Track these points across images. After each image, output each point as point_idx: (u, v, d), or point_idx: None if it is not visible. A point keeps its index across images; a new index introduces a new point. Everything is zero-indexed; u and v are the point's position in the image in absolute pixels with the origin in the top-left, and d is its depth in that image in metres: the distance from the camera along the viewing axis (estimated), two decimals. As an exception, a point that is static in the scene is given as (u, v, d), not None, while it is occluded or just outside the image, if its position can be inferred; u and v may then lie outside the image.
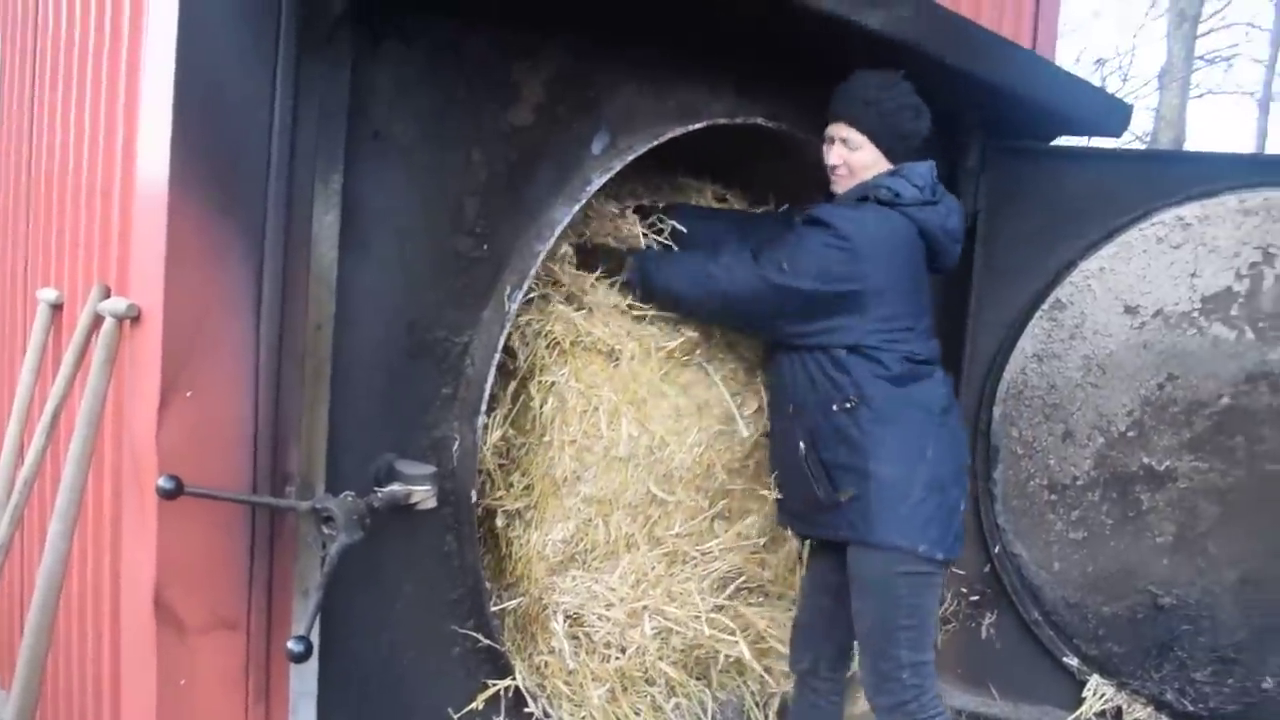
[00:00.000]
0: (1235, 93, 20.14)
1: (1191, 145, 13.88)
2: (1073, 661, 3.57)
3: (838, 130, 2.75)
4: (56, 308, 2.53)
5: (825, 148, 2.80)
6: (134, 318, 1.96)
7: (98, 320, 2.11)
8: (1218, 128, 28.34)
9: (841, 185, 2.79)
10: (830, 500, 2.63)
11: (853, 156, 2.74)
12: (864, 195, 2.70)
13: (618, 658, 2.73)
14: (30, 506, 2.29)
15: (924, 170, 2.74)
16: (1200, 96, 18.58)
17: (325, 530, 1.97)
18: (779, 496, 2.86)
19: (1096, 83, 18.36)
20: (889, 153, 2.73)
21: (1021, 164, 3.57)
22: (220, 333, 1.92)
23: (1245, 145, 17.70)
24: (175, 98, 1.81)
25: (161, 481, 1.78)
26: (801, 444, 2.67)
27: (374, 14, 2.03)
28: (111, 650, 2.18)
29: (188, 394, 1.88)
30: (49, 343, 2.52)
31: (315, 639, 2.03)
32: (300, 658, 1.84)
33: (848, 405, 2.60)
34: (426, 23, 2.16)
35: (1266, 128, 17.23)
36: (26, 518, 2.31)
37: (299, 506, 1.96)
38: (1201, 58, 15.98)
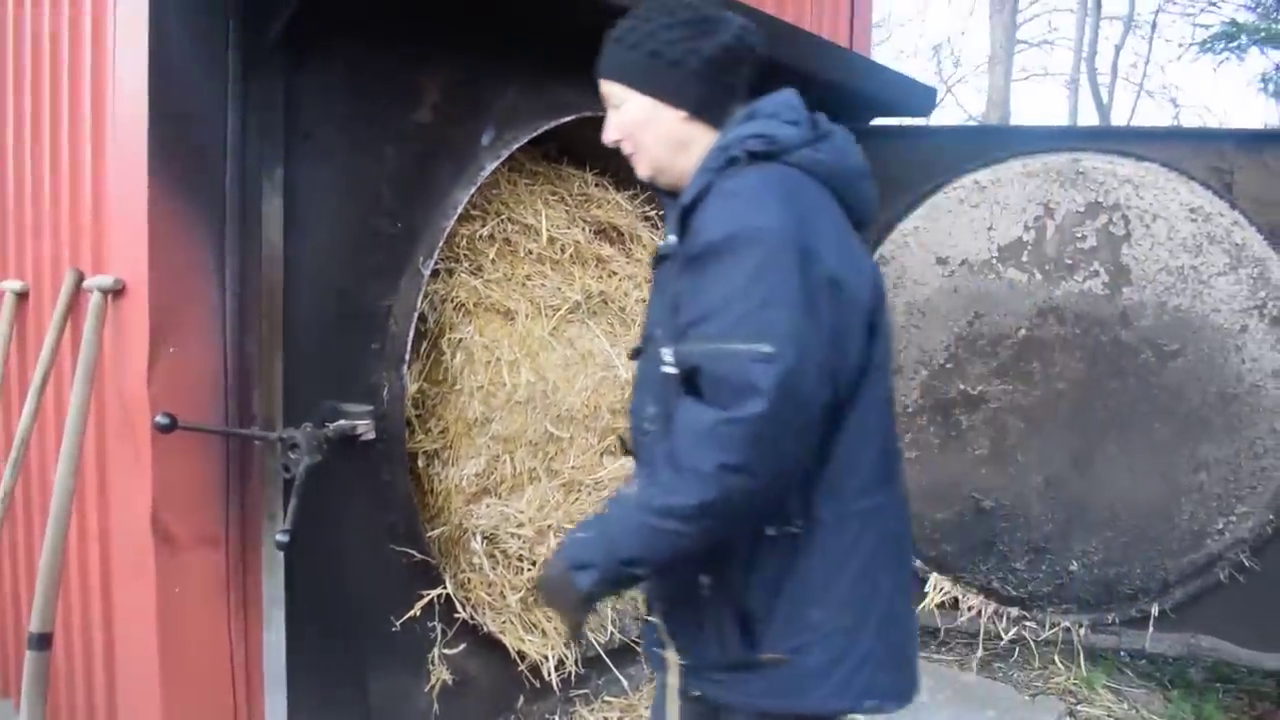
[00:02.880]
0: (1057, 75, 21.69)
1: (1015, 123, 15.02)
2: (915, 563, 4.18)
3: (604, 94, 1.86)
4: (21, 296, 2.91)
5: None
6: (118, 291, 2.38)
7: (74, 297, 2.54)
8: (1041, 107, 30.13)
9: (644, 167, 1.87)
10: (741, 660, 1.71)
11: (624, 118, 1.83)
12: (725, 162, 1.69)
13: (529, 569, 3.23)
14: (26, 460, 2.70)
15: (791, 99, 1.79)
16: (1026, 79, 20.03)
17: (291, 455, 2.42)
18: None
19: (933, 68, 19.65)
20: (678, 98, 1.78)
21: (846, 143, 4.18)
22: (193, 300, 2.36)
23: (1061, 121, 19.24)
24: (150, 113, 2.25)
25: (159, 418, 2.21)
26: (703, 579, 1.70)
27: (301, 39, 2.48)
28: (101, 567, 2.61)
29: (171, 350, 2.32)
30: (15, 325, 2.91)
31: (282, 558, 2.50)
32: (286, 547, 2.29)
33: (791, 531, 1.67)
34: (343, 43, 2.63)
35: (1077, 106, 18.75)
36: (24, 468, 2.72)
37: (269, 436, 2.41)
38: (1024, 42, 17.38)
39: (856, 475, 1.69)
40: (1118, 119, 18.63)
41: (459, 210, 2.90)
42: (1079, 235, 3.88)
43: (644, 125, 1.81)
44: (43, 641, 2.36)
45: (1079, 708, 3.83)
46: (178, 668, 2.40)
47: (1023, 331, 3.95)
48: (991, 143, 4.06)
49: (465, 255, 3.20)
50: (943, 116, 18.45)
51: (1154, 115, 19.61)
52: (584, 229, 3.50)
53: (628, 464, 3.55)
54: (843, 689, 1.70)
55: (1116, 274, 3.84)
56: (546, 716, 3.32)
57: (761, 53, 1.81)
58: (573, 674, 3.30)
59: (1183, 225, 3.76)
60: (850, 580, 1.70)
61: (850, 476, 1.69)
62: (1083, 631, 4.01)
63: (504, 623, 3.19)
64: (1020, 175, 3.94)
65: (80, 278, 2.57)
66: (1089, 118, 18.40)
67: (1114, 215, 3.83)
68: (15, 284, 2.91)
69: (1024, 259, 3.94)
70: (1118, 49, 18.67)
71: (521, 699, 3.30)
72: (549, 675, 3.20)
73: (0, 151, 3.12)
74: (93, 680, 2.75)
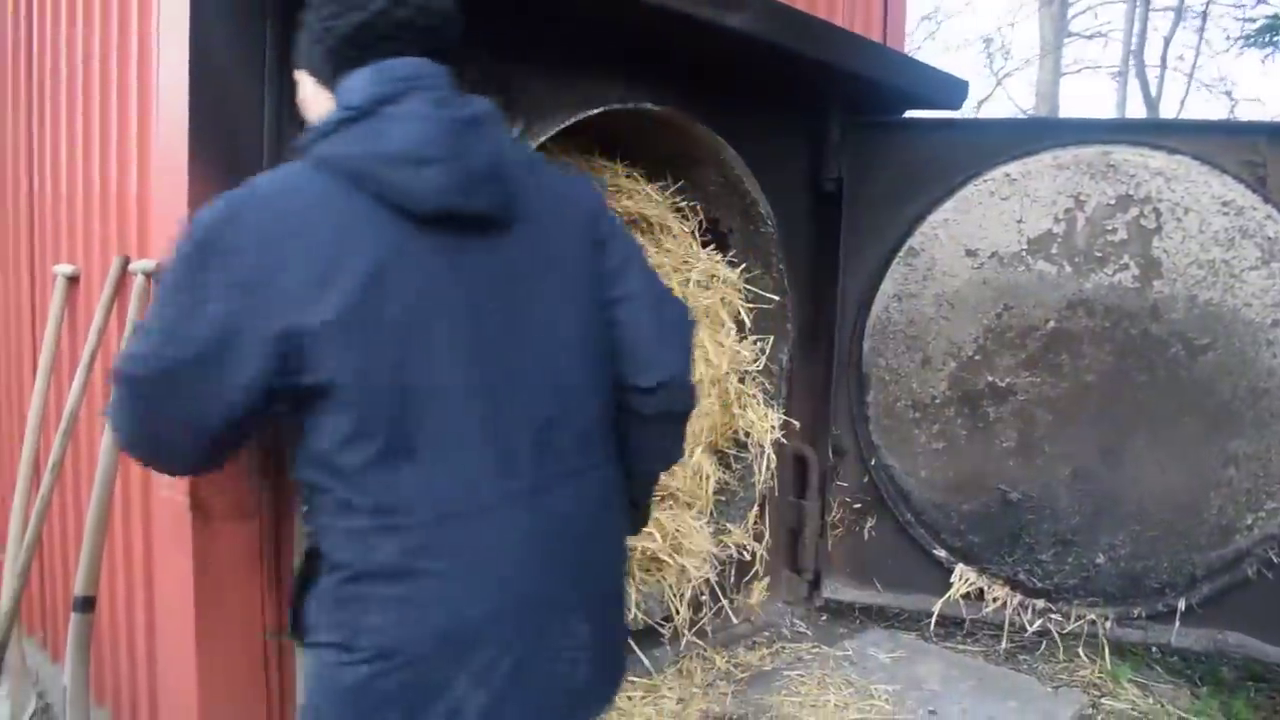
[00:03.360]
0: (1108, 67, 21.29)
1: (1053, 116, 14.81)
2: (941, 553, 4.21)
3: None
4: (72, 279, 3.06)
5: None
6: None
7: (120, 280, 2.67)
8: (1091, 100, 29.56)
9: None
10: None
11: (300, 96, 1.76)
12: None
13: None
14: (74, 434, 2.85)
15: (362, 81, 1.57)
16: (1078, 71, 19.74)
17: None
18: None
19: (983, 61, 19.50)
20: (321, 76, 1.69)
21: (876, 136, 4.21)
22: (230, 283, 2.47)
23: (1109, 114, 18.91)
24: (190, 105, 2.35)
25: (195, 396, 2.32)
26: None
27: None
28: (143, 535, 2.74)
29: (208, 331, 2.43)
30: (66, 306, 3.06)
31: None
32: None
33: (307, 529, 1.68)
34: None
35: (1125, 98, 18.44)
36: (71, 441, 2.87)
37: (300, 414, 2.51)
38: (1075, 34, 17.15)
39: (357, 491, 1.53)
40: (1167, 111, 18.32)
41: (488, 200, 2.98)
42: (1109, 228, 3.88)
43: (309, 104, 1.74)
44: (86, 604, 2.49)
45: (1103, 700, 3.84)
46: (212, 637, 2.50)
47: (1052, 324, 3.97)
48: (1022, 135, 4.07)
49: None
50: (993, 109, 18.34)
51: (1206, 107, 19.30)
52: (614, 219, 3.57)
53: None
54: (343, 700, 1.57)
55: (1147, 267, 3.84)
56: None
57: (426, 23, 1.67)
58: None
59: (1214, 219, 3.75)
60: (335, 601, 1.57)
61: (339, 490, 1.54)
62: (1108, 625, 4.01)
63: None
64: (1051, 168, 3.94)
65: (126, 262, 2.70)
66: (1137, 110, 18.15)
67: (1145, 208, 3.83)
68: (67, 268, 3.06)
69: (1054, 251, 3.95)
70: (1167, 41, 18.38)
71: (546, 676, 3.38)
72: (572, 653, 3.27)
73: (54, 148, 3.29)
74: (135, 648, 2.89)
